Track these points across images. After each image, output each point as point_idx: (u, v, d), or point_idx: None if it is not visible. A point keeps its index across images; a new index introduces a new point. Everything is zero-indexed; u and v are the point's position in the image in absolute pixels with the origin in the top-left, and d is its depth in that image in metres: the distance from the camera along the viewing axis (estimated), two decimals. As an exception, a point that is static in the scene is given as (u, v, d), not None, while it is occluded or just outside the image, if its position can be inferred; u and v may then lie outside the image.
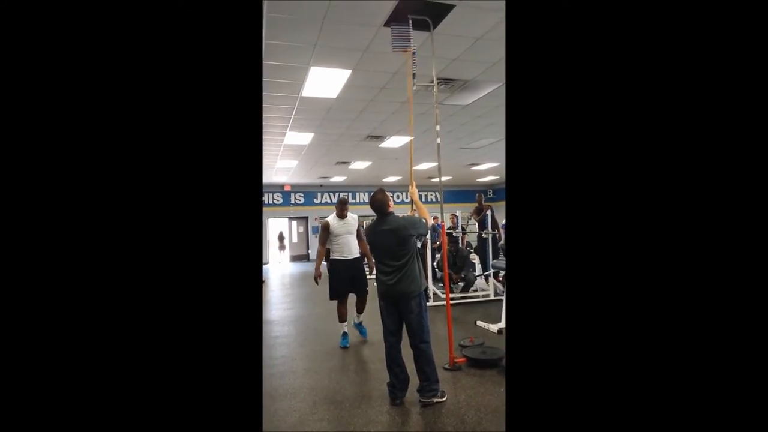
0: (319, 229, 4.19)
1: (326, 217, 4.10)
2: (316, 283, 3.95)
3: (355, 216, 4.13)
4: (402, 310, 2.68)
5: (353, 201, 14.98)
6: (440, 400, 2.64)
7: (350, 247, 3.98)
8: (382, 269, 2.75)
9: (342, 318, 4.04)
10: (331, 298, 4.04)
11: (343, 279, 3.93)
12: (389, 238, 2.69)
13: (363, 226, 4.04)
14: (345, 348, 3.94)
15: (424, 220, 2.75)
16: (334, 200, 15.01)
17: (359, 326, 4.24)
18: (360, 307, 4.15)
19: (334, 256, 3.99)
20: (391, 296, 2.69)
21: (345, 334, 4.04)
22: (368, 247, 3.02)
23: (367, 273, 4.24)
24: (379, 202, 2.77)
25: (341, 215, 3.98)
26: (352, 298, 4.08)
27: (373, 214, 2.80)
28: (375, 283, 2.86)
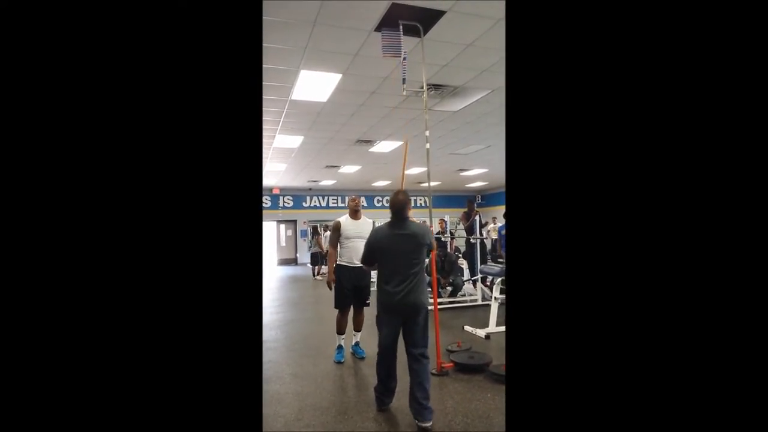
0: (330, 229, 3.80)
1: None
2: (330, 288, 3.61)
3: (370, 221, 3.74)
4: (408, 323, 2.48)
5: (342, 205, 14.94)
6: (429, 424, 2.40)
7: (359, 253, 3.57)
8: (391, 278, 2.47)
9: (341, 330, 3.68)
10: (336, 307, 3.66)
11: (347, 288, 3.56)
12: (407, 245, 2.47)
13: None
14: (340, 363, 3.59)
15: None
16: (324, 204, 14.96)
17: (356, 347, 3.81)
18: (358, 324, 3.77)
19: (341, 261, 3.61)
20: (398, 309, 2.46)
21: (341, 348, 3.70)
22: (366, 256, 2.63)
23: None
24: (401, 203, 2.51)
25: (355, 216, 3.62)
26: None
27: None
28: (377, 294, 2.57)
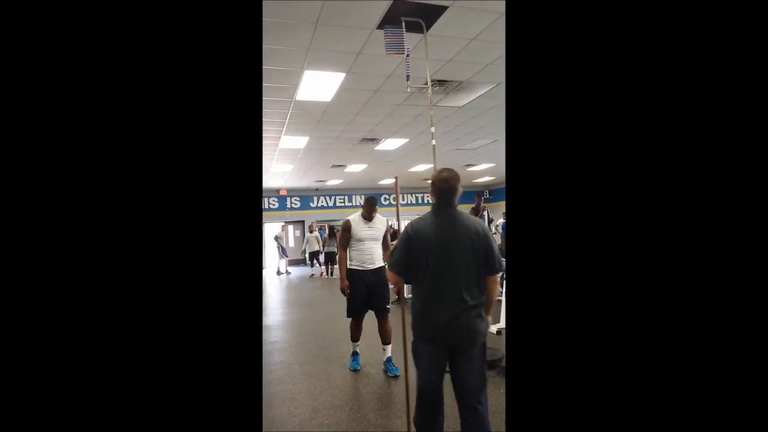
0: (340, 229, 3.45)
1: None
2: (344, 294, 3.29)
3: (384, 219, 3.39)
4: (458, 358, 1.76)
5: (349, 204, 14.95)
6: None
7: (373, 257, 3.25)
8: (437, 292, 1.72)
9: (354, 337, 3.39)
10: (349, 316, 3.34)
11: (360, 293, 3.23)
12: (465, 244, 1.72)
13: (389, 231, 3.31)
14: (355, 371, 3.35)
15: None
16: (331, 204, 14.99)
17: (389, 364, 3.30)
18: (386, 336, 3.30)
19: (352, 264, 3.27)
20: (445, 336, 1.73)
21: (355, 355, 3.44)
22: (401, 257, 1.82)
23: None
24: (451, 184, 1.77)
25: (368, 217, 3.26)
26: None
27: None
28: (415, 315, 1.81)
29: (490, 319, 1.90)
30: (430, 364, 1.78)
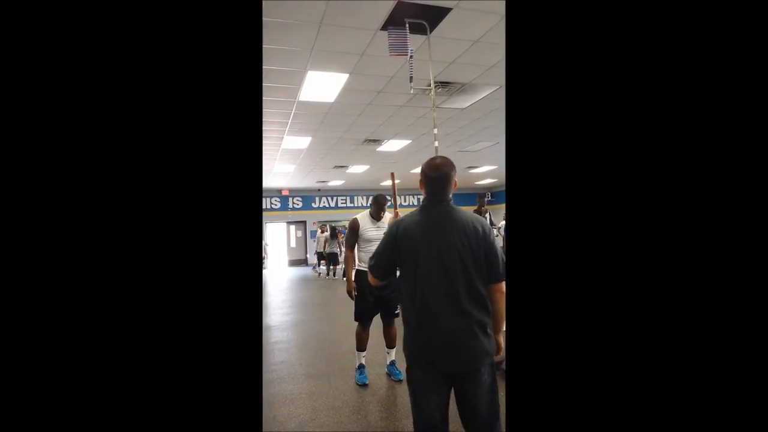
0: (347, 228, 3.24)
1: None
2: (351, 297, 3.10)
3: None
4: (464, 386, 1.47)
5: (351, 205, 14.95)
6: None
7: None
8: (430, 303, 1.43)
9: (361, 345, 3.15)
10: (356, 319, 3.13)
11: (368, 296, 3.03)
12: (461, 242, 1.45)
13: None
14: (364, 385, 3.08)
15: None
16: (332, 204, 15.00)
17: (392, 367, 3.23)
18: (390, 340, 3.21)
19: (361, 266, 3.07)
20: (446, 359, 1.44)
21: (362, 368, 3.17)
22: (384, 260, 1.60)
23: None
24: (447, 167, 1.50)
25: (377, 216, 3.09)
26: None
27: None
28: (409, 333, 1.53)
29: (502, 341, 1.52)
30: (432, 395, 1.47)
